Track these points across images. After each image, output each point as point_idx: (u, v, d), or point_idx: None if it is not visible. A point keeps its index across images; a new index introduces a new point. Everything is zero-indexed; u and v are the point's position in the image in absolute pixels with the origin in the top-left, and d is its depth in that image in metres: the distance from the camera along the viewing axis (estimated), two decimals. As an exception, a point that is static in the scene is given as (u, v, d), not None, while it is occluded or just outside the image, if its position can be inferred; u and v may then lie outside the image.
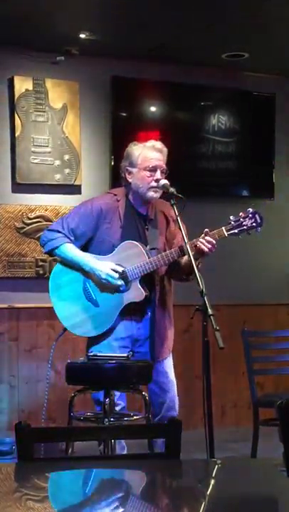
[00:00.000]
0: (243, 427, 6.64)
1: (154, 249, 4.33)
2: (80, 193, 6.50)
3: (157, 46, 6.30)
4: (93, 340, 4.40)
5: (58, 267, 4.47)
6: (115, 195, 4.45)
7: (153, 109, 6.79)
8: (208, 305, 3.93)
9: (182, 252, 4.22)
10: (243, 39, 6.28)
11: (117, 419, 4.22)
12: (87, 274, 4.36)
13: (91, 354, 4.20)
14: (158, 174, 4.33)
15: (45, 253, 4.54)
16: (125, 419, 4.28)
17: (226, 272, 6.82)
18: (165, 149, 4.42)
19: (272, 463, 2.58)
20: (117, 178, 6.53)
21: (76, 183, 6.46)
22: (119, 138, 6.59)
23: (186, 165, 6.70)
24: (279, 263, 7.11)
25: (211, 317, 3.90)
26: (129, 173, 4.38)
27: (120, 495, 2.23)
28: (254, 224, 4.31)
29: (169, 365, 4.50)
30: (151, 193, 4.34)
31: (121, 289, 4.30)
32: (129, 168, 4.38)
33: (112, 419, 4.11)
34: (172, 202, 4.24)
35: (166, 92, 6.80)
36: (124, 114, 6.69)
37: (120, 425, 4.12)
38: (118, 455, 3.92)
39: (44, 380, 6.29)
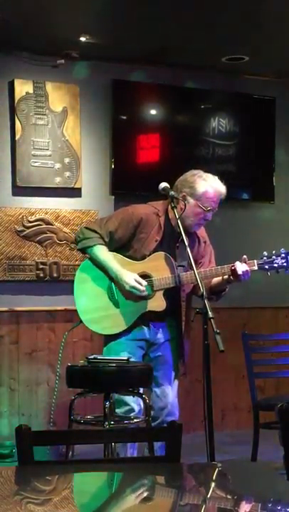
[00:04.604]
0: (243, 430, 6.63)
1: (181, 266, 4.40)
2: (80, 196, 6.50)
3: (158, 50, 6.31)
4: (110, 338, 4.45)
5: (88, 261, 4.51)
6: (156, 209, 4.49)
7: (153, 112, 6.79)
8: (208, 308, 3.95)
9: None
10: (243, 42, 6.29)
11: (117, 422, 4.22)
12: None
13: (91, 357, 4.21)
14: (210, 215, 4.45)
15: (78, 250, 4.61)
16: (125, 422, 4.29)
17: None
18: (225, 192, 4.48)
19: (272, 466, 2.58)
20: (117, 181, 6.58)
21: (76, 186, 6.46)
22: (119, 141, 6.60)
23: (186, 168, 6.66)
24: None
25: (212, 320, 3.91)
26: (185, 199, 4.41)
27: (120, 498, 2.23)
28: (284, 264, 4.45)
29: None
30: (196, 227, 4.48)
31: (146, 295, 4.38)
32: (187, 197, 4.41)
33: (112, 423, 4.11)
34: (172, 205, 4.29)
35: (166, 95, 6.80)
36: (124, 117, 6.69)
37: (121, 428, 4.12)
38: (118, 458, 3.92)
39: (44, 383, 6.30)
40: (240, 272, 4.30)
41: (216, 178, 4.50)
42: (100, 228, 4.43)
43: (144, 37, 6.13)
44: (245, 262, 4.35)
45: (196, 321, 4.21)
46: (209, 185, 4.43)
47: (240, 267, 4.31)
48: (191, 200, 4.39)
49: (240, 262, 4.35)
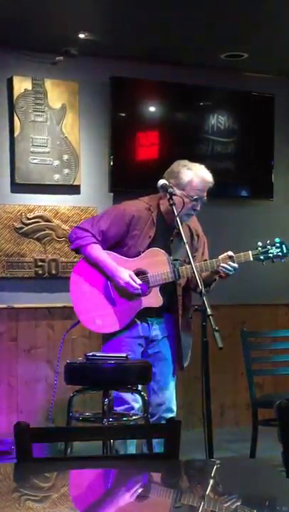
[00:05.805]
0: (242, 427, 6.64)
1: (176, 260, 4.40)
2: (79, 193, 6.50)
3: (157, 47, 6.30)
4: (109, 336, 4.44)
5: (82, 261, 4.51)
6: (148, 204, 4.47)
7: (152, 109, 6.79)
8: (207, 305, 3.95)
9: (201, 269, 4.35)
10: (242, 39, 6.28)
11: (115, 419, 4.22)
12: None
13: (90, 354, 4.21)
14: (198, 205, 4.42)
15: (72, 249, 4.60)
16: (124, 419, 4.29)
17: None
18: (212, 181, 4.44)
19: (271, 463, 2.58)
20: (116, 178, 6.57)
21: (75, 183, 6.45)
22: (118, 138, 6.59)
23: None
24: (278, 263, 7.11)
25: (210, 317, 3.91)
26: (172, 189, 4.38)
27: (118, 495, 2.23)
28: (280, 253, 4.45)
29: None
30: (185, 218, 4.42)
31: (140, 292, 4.37)
32: (174, 188, 4.38)
33: (110, 420, 4.11)
34: (171, 202, 4.27)
35: (165, 92, 6.80)
36: (123, 115, 6.68)
37: (119, 425, 4.12)
38: (117, 455, 3.92)
39: (42, 380, 6.30)
40: (230, 273, 4.34)
41: (203, 166, 4.46)
42: (92, 227, 4.42)
43: (143, 34, 6.12)
44: (233, 259, 4.35)
45: (195, 318, 4.21)
46: (194, 173, 4.40)
47: (229, 269, 4.33)
48: (177, 192, 4.37)
49: (226, 261, 4.34)
